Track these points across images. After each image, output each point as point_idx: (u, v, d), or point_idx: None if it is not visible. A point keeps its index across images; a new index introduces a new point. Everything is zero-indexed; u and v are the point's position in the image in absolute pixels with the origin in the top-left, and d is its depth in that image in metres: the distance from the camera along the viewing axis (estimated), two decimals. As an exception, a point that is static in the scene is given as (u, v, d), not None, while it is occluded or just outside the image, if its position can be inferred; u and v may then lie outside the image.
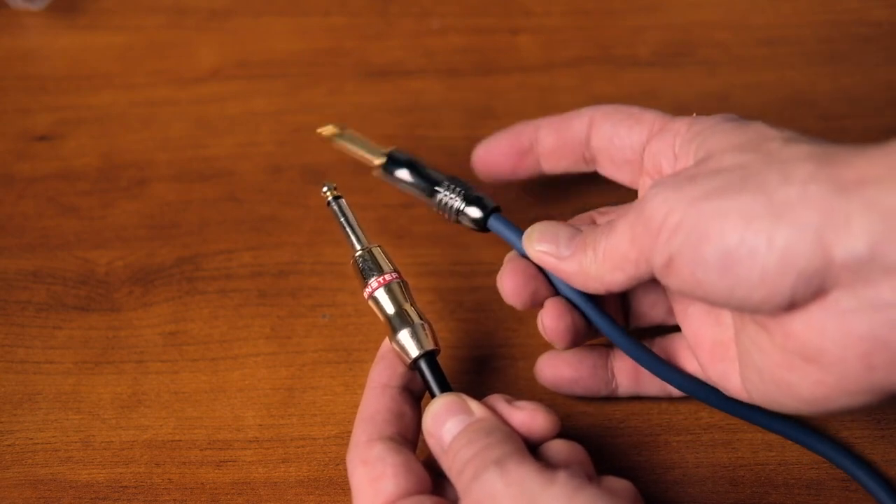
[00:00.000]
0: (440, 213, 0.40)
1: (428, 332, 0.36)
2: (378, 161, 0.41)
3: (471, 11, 0.56)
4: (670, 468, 0.38)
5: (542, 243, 0.36)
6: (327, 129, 0.42)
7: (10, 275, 0.44)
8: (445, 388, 0.35)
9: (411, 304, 0.36)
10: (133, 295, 0.44)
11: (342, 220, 0.38)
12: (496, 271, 0.37)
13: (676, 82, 0.51)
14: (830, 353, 0.29)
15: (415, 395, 0.36)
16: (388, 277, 0.36)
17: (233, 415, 0.40)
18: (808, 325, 0.29)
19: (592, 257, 0.34)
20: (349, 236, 0.38)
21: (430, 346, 0.35)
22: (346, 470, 0.38)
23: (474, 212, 0.38)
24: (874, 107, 0.49)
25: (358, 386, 0.40)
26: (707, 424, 0.39)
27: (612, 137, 0.37)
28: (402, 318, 0.36)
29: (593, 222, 0.39)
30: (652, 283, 0.33)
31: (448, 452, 0.32)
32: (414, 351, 0.35)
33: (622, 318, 0.39)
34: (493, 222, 0.38)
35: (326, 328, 0.42)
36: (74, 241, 0.46)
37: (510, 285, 0.36)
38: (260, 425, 0.39)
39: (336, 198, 0.38)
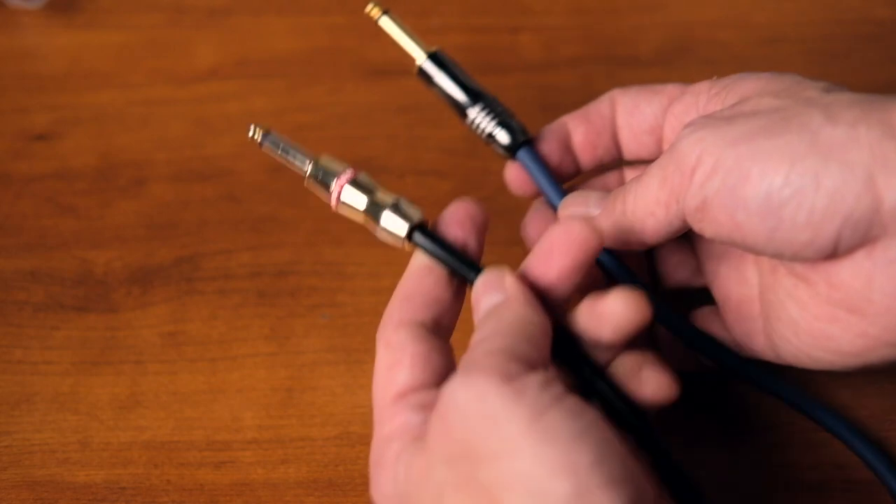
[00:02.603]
0: (472, 131, 0.38)
1: (410, 206, 0.34)
2: (419, 59, 0.38)
3: (471, 10, 0.55)
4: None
5: (573, 207, 0.35)
6: (375, 10, 0.38)
7: (8, 275, 0.44)
8: (450, 252, 0.33)
9: (380, 190, 0.34)
10: (131, 295, 0.43)
11: (281, 150, 0.34)
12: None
13: (678, 81, 0.51)
14: (877, 303, 0.28)
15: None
16: (345, 177, 0.34)
17: (231, 415, 0.40)
18: (856, 275, 0.29)
19: (622, 209, 0.33)
20: (293, 160, 0.34)
21: (418, 217, 0.33)
22: (345, 471, 0.38)
23: (504, 138, 0.37)
24: (876, 106, 0.49)
25: (358, 386, 0.40)
26: (707, 425, 0.39)
27: (633, 109, 0.37)
28: (377, 206, 0.34)
29: (622, 180, 0.39)
30: (679, 242, 0.33)
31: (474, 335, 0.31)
32: (402, 229, 0.33)
33: (650, 284, 0.38)
34: (522, 155, 0.37)
35: (326, 328, 0.42)
36: (72, 241, 0.45)
37: (534, 234, 0.36)
38: (259, 426, 0.39)
39: (266, 133, 0.35)
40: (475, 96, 0.37)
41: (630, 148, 0.37)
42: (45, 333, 0.42)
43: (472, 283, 0.33)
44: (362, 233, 0.45)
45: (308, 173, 0.34)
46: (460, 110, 0.38)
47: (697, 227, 0.31)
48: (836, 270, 0.29)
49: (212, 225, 0.46)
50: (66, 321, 0.43)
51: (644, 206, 0.32)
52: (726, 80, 0.34)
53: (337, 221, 0.46)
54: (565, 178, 0.38)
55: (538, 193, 0.38)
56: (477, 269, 0.33)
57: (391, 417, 0.30)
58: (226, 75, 0.52)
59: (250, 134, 0.35)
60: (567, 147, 0.38)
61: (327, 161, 0.34)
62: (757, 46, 0.53)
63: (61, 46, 0.54)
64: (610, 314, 0.30)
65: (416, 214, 0.34)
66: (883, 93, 0.50)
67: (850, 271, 0.29)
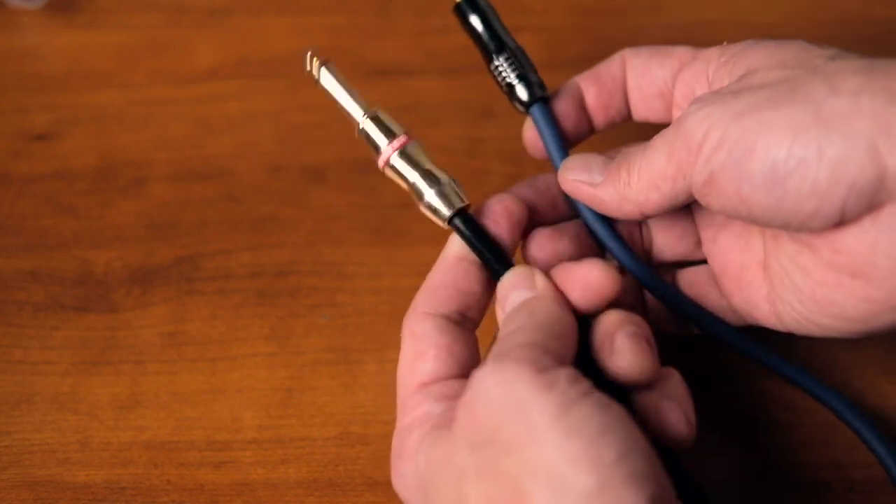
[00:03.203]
0: (494, 79, 0.38)
1: (458, 188, 0.34)
2: None
3: (471, 10, 0.55)
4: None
5: (575, 172, 0.35)
6: None
7: (8, 275, 0.44)
8: (486, 242, 0.33)
9: (432, 164, 0.34)
10: (131, 295, 0.43)
11: (339, 86, 0.34)
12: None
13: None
14: (883, 268, 0.28)
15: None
16: (401, 140, 0.34)
17: (231, 415, 0.39)
18: (860, 240, 0.29)
19: (626, 179, 0.33)
20: (349, 104, 0.34)
21: (462, 202, 0.34)
22: (345, 471, 0.38)
23: (522, 93, 0.37)
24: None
25: (358, 386, 0.40)
26: (707, 427, 0.38)
27: (643, 72, 0.36)
28: (428, 179, 0.34)
29: None
30: (679, 214, 0.33)
31: (501, 327, 0.31)
32: (446, 210, 0.34)
33: (643, 256, 0.38)
34: (535, 110, 0.37)
35: (326, 328, 0.42)
36: (72, 241, 0.45)
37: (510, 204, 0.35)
38: (259, 426, 0.39)
39: (324, 63, 0.34)
40: (501, 46, 0.38)
41: (639, 110, 0.37)
42: (45, 333, 0.42)
43: (499, 277, 0.33)
44: (362, 233, 0.45)
45: (360, 127, 0.34)
46: (487, 56, 0.38)
47: (704, 201, 0.31)
48: (840, 236, 0.29)
49: (212, 225, 0.46)
50: (66, 321, 0.43)
51: (649, 180, 0.32)
52: (735, 47, 0.33)
53: (337, 221, 0.46)
54: (580, 138, 0.38)
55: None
56: (508, 264, 0.33)
57: (413, 407, 0.31)
58: (226, 75, 0.52)
59: (307, 67, 0.34)
60: (582, 107, 0.37)
61: (384, 117, 0.34)
62: (757, 46, 0.52)
63: (61, 46, 0.54)
64: (582, 279, 0.31)
65: (460, 199, 0.34)
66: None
67: (854, 237, 0.29)
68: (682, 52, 0.36)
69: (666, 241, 0.38)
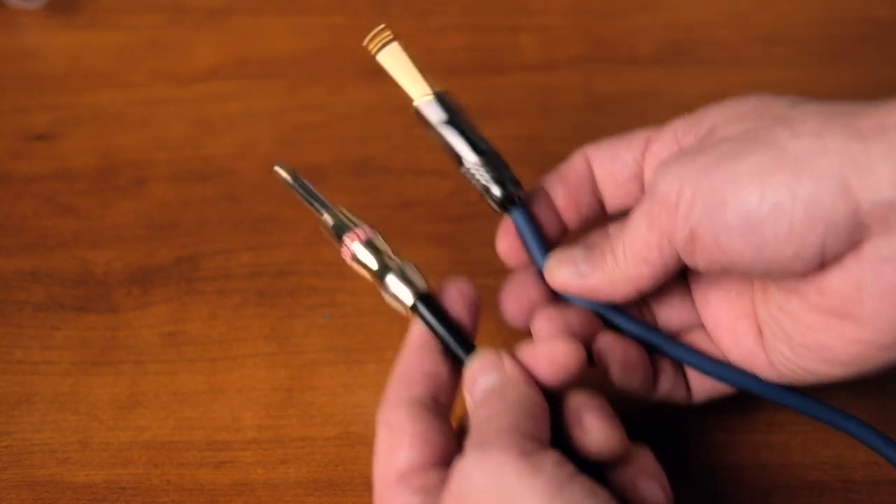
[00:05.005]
0: (465, 178, 0.37)
1: (419, 274, 0.34)
2: (419, 99, 0.38)
3: (471, 10, 0.55)
4: (671, 469, 0.37)
5: (561, 268, 0.35)
6: (376, 41, 0.39)
7: (8, 275, 0.44)
8: (449, 327, 0.33)
9: (392, 252, 0.35)
10: (131, 295, 0.43)
11: (304, 192, 0.36)
12: (496, 272, 0.37)
13: (677, 81, 0.51)
14: (867, 306, 0.28)
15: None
16: (360, 233, 0.35)
17: (231, 415, 0.40)
18: (844, 280, 0.29)
19: (613, 261, 0.33)
20: (314, 204, 0.36)
21: (423, 286, 0.34)
22: (345, 471, 0.38)
23: (497, 196, 0.36)
24: (876, 106, 0.49)
25: (358, 386, 0.40)
26: (708, 426, 0.39)
27: (612, 159, 0.36)
28: (386, 269, 0.34)
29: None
30: (674, 287, 0.33)
31: (472, 414, 0.31)
32: (409, 297, 0.34)
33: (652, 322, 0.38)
34: (516, 215, 0.36)
35: (326, 328, 0.42)
36: (72, 241, 0.45)
37: (513, 310, 0.35)
38: (259, 426, 0.39)
39: (293, 176, 0.37)
40: (470, 153, 0.36)
41: (615, 200, 0.37)
42: (45, 333, 0.42)
43: (464, 361, 0.33)
44: (362, 233, 0.45)
45: (324, 221, 0.36)
46: (457, 158, 0.37)
47: (690, 261, 0.31)
48: (825, 278, 0.29)
49: (212, 225, 0.46)
50: (66, 321, 0.43)
51: (636, 254, 0.32)
52: (698, 111, 0.34)
53: (337, 221, 0.46)
54: (554, 243, 0.37)
55: (528, 262, 0.37)
56: (471, 347, 0.33)
57: (391, 500, 0.30)
58: (226, 75, 0.52)
59: (276, 168, 0.36)
60: (555, 209, 0.37)
61: (345, 214, 0.36)
62: (757, 46, 0.53)
63: (61, 46, 0.54)
64: (547, 356, 0.31)
65: (422, 284, 0.34)
66: (883, 93, 0.50)
67: (838, 276, 0.29)
68: (646, 132, 0.36)
69: (668, 316, 0.37)
